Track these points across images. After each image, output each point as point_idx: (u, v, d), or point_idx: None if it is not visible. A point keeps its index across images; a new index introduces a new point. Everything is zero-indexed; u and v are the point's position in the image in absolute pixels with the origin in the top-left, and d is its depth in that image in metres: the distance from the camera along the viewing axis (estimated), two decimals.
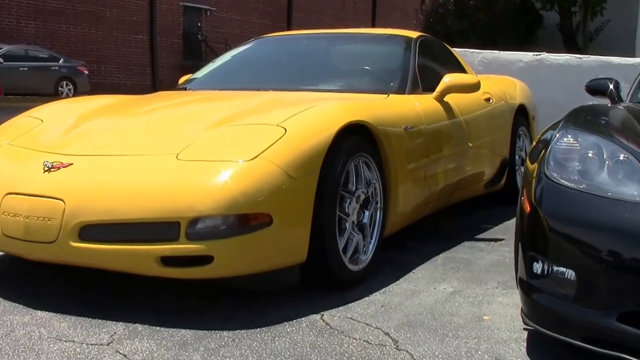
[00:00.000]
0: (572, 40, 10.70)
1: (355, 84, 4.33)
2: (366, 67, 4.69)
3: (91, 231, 2.85)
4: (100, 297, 3.20)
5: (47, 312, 2.94)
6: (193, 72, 5.05)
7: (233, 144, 3.05)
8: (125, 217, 2.80)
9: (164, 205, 2.77)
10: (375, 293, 3.27)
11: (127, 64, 23.93)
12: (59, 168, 3.05)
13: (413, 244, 4.19)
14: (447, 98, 4.36)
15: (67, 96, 19.28)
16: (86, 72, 21.45)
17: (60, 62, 20.95)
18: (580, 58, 6.83)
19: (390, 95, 4.00)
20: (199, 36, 26.17)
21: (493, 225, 4.88)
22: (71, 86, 20.81)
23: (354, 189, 3.32)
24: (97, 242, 2.85)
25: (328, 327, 2.83)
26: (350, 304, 3.10)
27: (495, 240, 4.40)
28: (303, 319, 2.91)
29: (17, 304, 3.04)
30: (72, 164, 3.08)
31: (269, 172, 2.88)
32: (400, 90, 4.13)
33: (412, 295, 3.26)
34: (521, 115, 5.63)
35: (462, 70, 5.16)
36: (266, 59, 4.97)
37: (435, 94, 4.29)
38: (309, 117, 3.24)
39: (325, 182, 3.07)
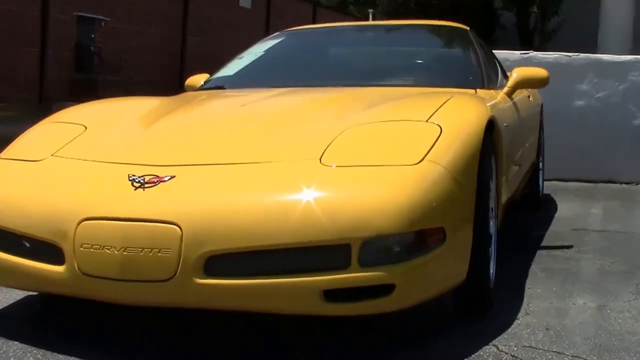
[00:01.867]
0: (529, 40, 10.71)
1: (436, 78, 3.81)
2: (438, 60, 4.19)
3: (220, 263, 2.18)
4: (215, 343, 2.56)
5: None
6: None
7: (386, 145, 2.48)
8: (271, 243, 2.15)
9: (324, 224, 2.14)
10: (520, 315, 2.81)
11: (14, 77, 22.29)
12: (156, 183, 2.35)
13: None
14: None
15: None
16: None
17: None
18: (569, 56, 6.67)
19: (478, 90, 3.56)
20: (92, 48, 24.78)
21: (540, 231, 4.53)
22: None
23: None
24: (229, 276, 2.18)
25: None
26: (509, 330, 2.62)
27: (567, 247, 4.05)
28: (479, 352, 2.40)
29: None
30: (173, 176, 2.37)
31: (439, 178, 2.33)
32: (480, 85, 3.67)
33: (563, 314, 2.82)
34: (540, 114, 5.35)
35: (498, 62, 4.79)
36: (314, 53, 4.35)
37: (506, 89, 3.87)
38: (456, 112, 2.73)
39: (480, 187, 2.59)
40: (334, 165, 2.37)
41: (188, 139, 2.80)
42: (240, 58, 4.36)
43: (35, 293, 2.90)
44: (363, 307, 2.23)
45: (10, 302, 2.93)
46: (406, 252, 2.22)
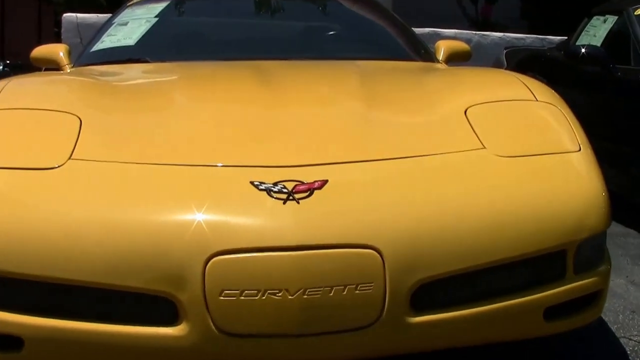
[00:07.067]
0: None
1: (392, 50, 3.46)
2: (384, 32, 3.75)
3: (429, 292, 1.70)
4: None
5: None
6: None
7: (526, 128, 2.12)
8: (486, 260, 1.72)
9: (542, 229, 1.78)
10: None
11: None
12: (308, 192, 1.71)
13: None
14: None
15: None
16: None
17: None
18: None
19: (442, 63, 3.33)
20: None
21: None
22: None
23: None
24: (442, 308, 1.72)
25: None
26: None
27: None
28: None
29: None
30: (326, 181, 1.76)
31: (595, 162, 2.07)
32: (430, 58, 3.38)
33: None
34: None
35: None
36: (240, 21, 3.71)
37: (443, 62, 3.43)
38: (544, 89, 2.38)
39: None
40: (508, 156, 1.95)
41: (283, 129, 2.04)
42: (123, 24, 3.41)
43: None
44: (576, 321, 1.93)
45: None
46: (604, 252, 1.99)
